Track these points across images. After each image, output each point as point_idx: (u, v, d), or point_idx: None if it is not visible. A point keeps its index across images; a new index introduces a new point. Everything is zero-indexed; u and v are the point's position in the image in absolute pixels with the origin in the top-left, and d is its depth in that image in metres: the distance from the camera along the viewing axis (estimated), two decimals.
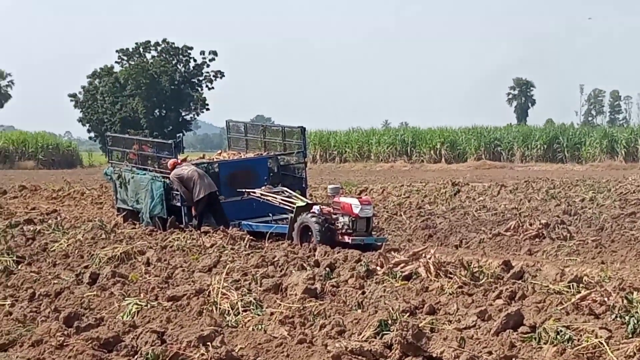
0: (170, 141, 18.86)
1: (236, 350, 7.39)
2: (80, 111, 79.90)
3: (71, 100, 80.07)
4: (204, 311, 9.05)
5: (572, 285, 9.73)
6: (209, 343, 7.40)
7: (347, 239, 14.65)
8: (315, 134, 62.70)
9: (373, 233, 15.30)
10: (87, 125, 79.94)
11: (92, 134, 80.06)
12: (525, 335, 7.79)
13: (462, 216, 19.09)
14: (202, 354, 7.18)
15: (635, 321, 7.79)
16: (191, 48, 80.00)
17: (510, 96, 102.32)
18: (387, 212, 20.42)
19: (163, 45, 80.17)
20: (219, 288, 9.61)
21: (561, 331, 7.61)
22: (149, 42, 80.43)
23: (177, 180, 16.56)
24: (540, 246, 14.49)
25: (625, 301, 8.40)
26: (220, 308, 9.20)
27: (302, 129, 18.63)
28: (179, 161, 17.05)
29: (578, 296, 8.94)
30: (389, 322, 8.08)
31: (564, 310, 8.64)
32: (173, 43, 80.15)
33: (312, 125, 61.89)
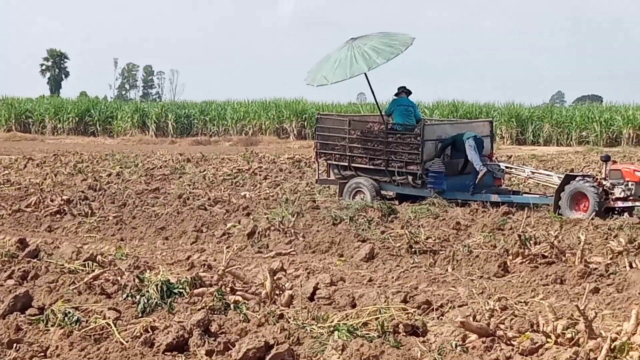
0: None
1: None
2: None
3: None
4: None
5: (88, 263, 9.60)
6: None
7: None
8: None
9: None
10: None
11: None
12: (33, 318, 7.49)
13: None
14: None
15: (145, 300, 7.82)
16: None
17: (44, 67, 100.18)
18: None
19: None
20: None
21: (70, 312, 7.39)
22: None
23: None
24: (61, 223, 14.18)
25: (137, 280, 8.41)
26: None
27: None
28: None
29: (91, 275, 8.80)
30: None
31: (77, 290, 8.47)
32: None
33: None
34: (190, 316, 7.12)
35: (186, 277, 8.45)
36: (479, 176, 16.52)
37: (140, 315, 7.61)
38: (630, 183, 15.00)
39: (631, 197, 14.99)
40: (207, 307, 7.55)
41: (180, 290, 8.20)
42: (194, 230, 13.40)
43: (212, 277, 8.76)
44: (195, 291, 8.23)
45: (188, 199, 16.92)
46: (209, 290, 8.23)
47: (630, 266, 10.01)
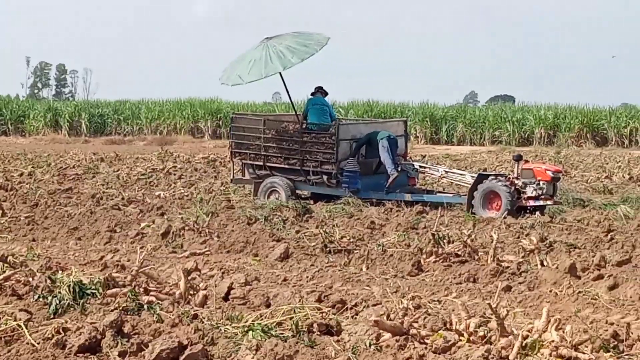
0: None
1: None
2: None
3: None
4: None
5: None
6: None
7: None
8: None
9: None
10: None
11: None
12: None
13: None
14: None
15: (57, 301, 7.71)
16: None
17: None
18: None
19: None
20: None
21: None
22: None
23: None
24: None
25: (49, 281, 8.27)
26: None
27: None
28: None
29: (2, 276, 8.64)
30: None
31: None
32: None
33: None
34: (103, 317, 7.04)
35: (99, 278, 8.34)
36: (390, 180, 16.65)
37: (52, 316, 7.50)
38: (541, 182, 15.29)
39: (543, 196, 15.28)
40: (120, 308, 7.47)
41: (93, 291, 8.09)
42: (107, 230, 13.24)
43: (125, 278, 8.66)
44: (109, 292, 8.13)
45: (101, 198, 16.74)
46: (122, 290, 8.14)
47: (542, 264, 10.19)
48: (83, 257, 11.36)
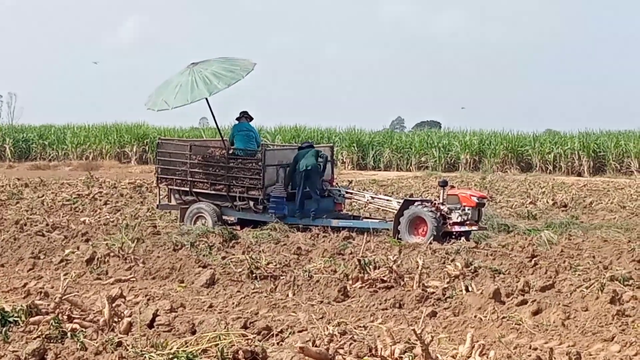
0: None
1: None
2: None
3: None
4: None
5: None
6: None
7: None
8: None
9: None
10: None
11: None
12: None
13: None
14: None
15: None
16: None
17: None
18: None
19: None
20: None
21: None
22: None
23: None
24: None
25: None
26: None
27: None
28: None
29: None
30: None
31: None
32: None
33: None
34: (26, 345, 6.93)
35: (22, 305, 8.22)
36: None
37: None
38: (467, 208, 15.47)
39: (468, 222, 15.45)
40: (43, 336, 7.36)
41: (16, 319, 7.97)
42: (31, 256, 13.03)
43: (49, 305, 8.53)
44: (31, 319, 8.00)
45: (25, 224, 16.49)
46: (45, 318, 8.02)
47: (467, 290, 10.29)
48: (6, 284, 11.17)
